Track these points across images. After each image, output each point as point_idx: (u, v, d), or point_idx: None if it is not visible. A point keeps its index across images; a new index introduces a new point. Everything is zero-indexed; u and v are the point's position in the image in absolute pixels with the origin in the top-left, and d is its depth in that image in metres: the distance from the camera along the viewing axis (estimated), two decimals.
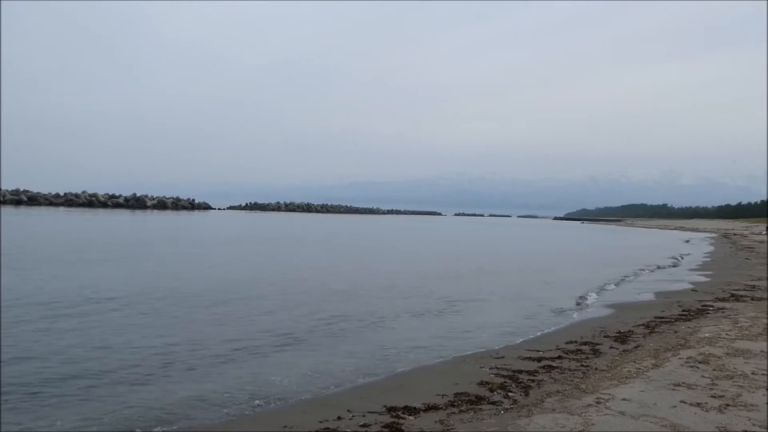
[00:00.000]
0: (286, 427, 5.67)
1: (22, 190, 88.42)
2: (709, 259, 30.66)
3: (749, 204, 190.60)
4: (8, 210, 64.07)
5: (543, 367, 7.93)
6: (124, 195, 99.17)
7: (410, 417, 5.93)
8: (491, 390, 6.81)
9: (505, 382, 7.15)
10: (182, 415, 6.15)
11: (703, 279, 20.05)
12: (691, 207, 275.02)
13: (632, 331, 10.43)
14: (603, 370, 7.59)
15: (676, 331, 10.12)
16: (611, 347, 9.18)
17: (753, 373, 7.00)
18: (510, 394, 6.65)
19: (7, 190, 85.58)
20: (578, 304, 14.46)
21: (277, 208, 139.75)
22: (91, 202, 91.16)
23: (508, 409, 6.03)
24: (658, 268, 25.43)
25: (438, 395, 6.63)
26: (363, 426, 5.66)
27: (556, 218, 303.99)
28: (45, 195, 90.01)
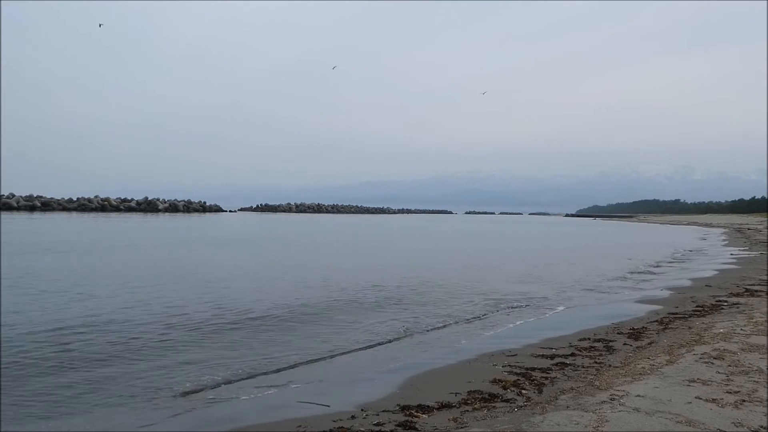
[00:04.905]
0: (300, 426, 5.71)
1: (35, 195, 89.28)
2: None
3: (763, 198, 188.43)
4: (27, 217, 64.72)
5: (556, 364, 7.91)
6: (135, 199, 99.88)
7: (424, 415, 5.95)
8: (504, 388, 6.80)
9: (518, 379, 7.14)
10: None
11: (716, 273, 19.89)
12: (704, 202, 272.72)
13: (646, 328, 10.38)
14: (617, 367, 7.56)
15: (690, 327, 10.05)
16: (625, 344, 9.14)
17: None
18: (523, 391, 6.65)
19: (20, 196, 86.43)
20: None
21: (287, 209, 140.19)
22: (103, 206, 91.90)
23: (521, 407, 6.03)
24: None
25: (451, 393, 6.64)
26: (377, 425, 5.68)
27: (567, 215, 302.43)
28: (58, 200, 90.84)
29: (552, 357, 8.34)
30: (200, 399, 6.84)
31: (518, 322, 11.73)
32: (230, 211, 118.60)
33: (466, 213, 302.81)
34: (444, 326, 11.29)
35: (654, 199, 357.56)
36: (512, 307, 13.51)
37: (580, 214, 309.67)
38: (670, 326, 10.40)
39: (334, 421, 5.82)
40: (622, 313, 12.17)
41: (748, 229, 68.69)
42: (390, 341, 9.92)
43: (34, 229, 42.58)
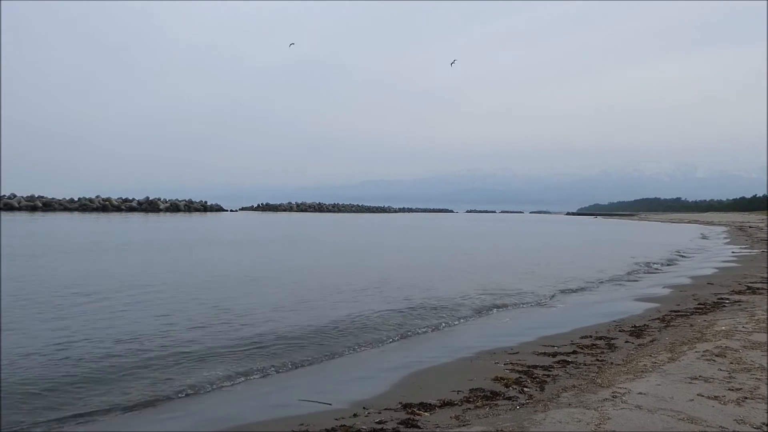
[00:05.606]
0: (302, 425, 5.71)
1: (37, 196, 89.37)
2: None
3: (764, 196, 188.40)
4: (28, 217, 64.77)
5: (558, 362, 7.90)
6: (137, 198, 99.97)
7: (426, 413, 5.94)
8: (506, 385, 6.80)
9: (520, 377, 7.14)
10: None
11: (718, 271, 19.87)
12: (705, 200, 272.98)
13: (647, 325, 10.37)
14: (619, 365, 7.56)
15: (692, 325, 10.04)
16: (627, 341, 9.13)
17: None
18: (525, 389, 6.64)
19: (22, 197, 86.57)
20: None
21: (288, 208, 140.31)
22: (104, 206, 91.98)
23: (523, 405, 6.02)
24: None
25: (453, 391, 6.64)
26: (379, 423, 5.68)
27: (568, 213, 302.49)
28: (59, 200, 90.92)
29: (554, 355, 8.34)
30: (201, 398, 6.85)
31: (519, 320, 11.73)
32: (231, 211, 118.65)
33: (467, 212, 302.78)
34: (445, 325, 11.30)
35: (655, 198, 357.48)
36: (513, 305, 13.52)
37: (581, 213, 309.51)
38: (671, 324, 10.40)
39: (336, 419, 5.82)
40: (623, 311, 12.16)
41: (750, 227, 68.62)
42: (391, 340, 9.93)
43: (37, 229, 42.63)
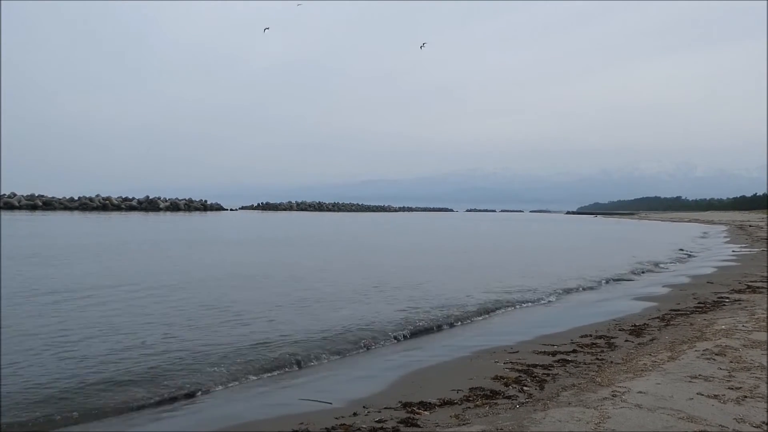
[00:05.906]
0: (302, 423, 5.71)
1: (37, 195, 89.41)
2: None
3: (764, 195, 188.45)
4: (28, 216, 64.78)
5: (558, 361, 7.90)
6: (137, 198, 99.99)
7: (426, 412, 5.95)
8: (506, 384, 6.80)
9: (519, 376, 7.14)
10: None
11: (717, 270, 19.87)
12: (705, 199, 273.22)
13: (647, 324, 10.38)
14: (618, 364, 7.56)
15: (692, 324, 10.04)
16: (626, 340, 9.13)
17: None
18: (525, 388, 6.64)
19: (22, 196, 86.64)
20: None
21: (288, 207, 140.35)
22: (104, 205, 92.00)
23: (523, 403, 6.02)
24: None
25: (453, 390, 6.64)
26: (379, 422, 5.68)
27: (568, 212, 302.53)
28: (59, 199, 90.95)
29: (553, 353, 8.34)
30: (201, 397, 6.85)
31: (519, 319, 11.75)
32: (231, 210, 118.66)
33: (467, 211, 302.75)
34: (445, 324, 11.30)
35: (655, 197, 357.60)
36: (513, 304, 13.53)
37: (581, 212, 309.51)
38: (671, 323, 10.40)
39: (336, 418, 5.82)
40: (623, 310, 12.16)
41: (750, 225, 68.55)
42: (391, 339, 9.94)
43: (37, 229, 42.63)
